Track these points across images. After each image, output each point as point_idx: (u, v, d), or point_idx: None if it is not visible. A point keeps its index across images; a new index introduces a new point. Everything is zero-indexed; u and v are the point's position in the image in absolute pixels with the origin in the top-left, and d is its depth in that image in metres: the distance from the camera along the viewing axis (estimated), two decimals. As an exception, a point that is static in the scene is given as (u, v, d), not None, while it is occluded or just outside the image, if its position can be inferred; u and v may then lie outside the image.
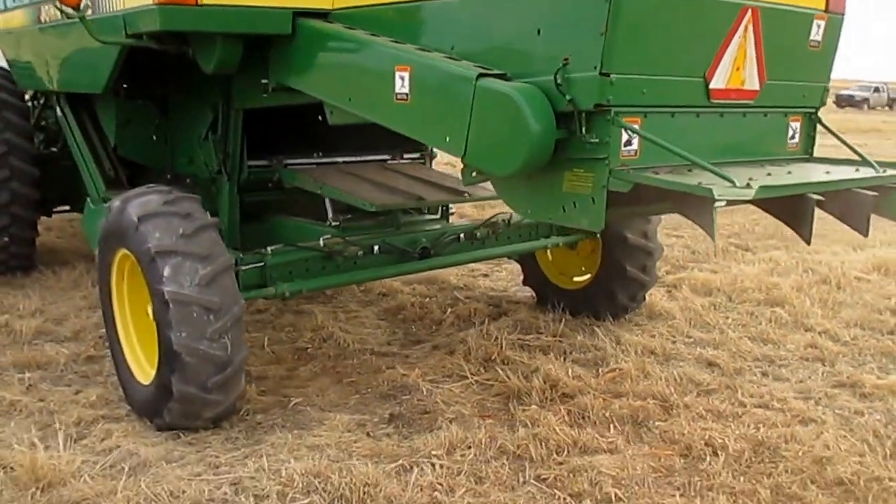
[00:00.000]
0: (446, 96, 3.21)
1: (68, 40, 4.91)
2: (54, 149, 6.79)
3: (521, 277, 6.05)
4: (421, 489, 3.31)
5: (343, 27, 3.78)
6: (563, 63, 2.93)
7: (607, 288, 5.41)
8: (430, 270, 5.29)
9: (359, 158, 5.32)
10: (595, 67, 2.87)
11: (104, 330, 5.21)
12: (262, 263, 4.14)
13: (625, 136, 2.98)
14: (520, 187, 3.24)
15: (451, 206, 5.39)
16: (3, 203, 6.14)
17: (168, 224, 3.70)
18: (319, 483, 3.34)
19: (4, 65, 6.55)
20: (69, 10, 3.90)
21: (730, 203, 3.01)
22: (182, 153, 5.43)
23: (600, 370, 4.65)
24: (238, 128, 4.86)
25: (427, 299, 6.03)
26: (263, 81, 4.38)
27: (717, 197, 2.61)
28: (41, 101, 6.81)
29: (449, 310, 5.75)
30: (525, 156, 2.99)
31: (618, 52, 2.87)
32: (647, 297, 5.67)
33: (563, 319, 5.46)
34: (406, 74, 3.34)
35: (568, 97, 2.93)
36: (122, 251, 3.96)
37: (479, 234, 4.99)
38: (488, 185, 5.05)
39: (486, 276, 6.80)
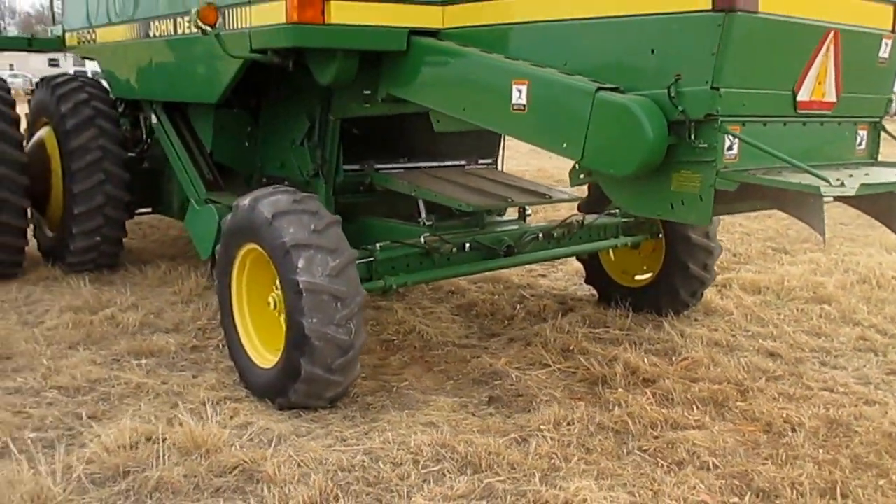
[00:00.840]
0: (564, 107, 3.63)
1: (183, 53, 5.32)
2: (132, 154, 7.20)
3: (583, 276, 6.44)
4: (539, 457, 3.71)
5: (456, 44, 4.19)
6: (675, 79, 3.34)
7: (670, 285, 5.81)
8: (514, 266, 5.66)
9: (440, 163, 5.73)
10: (706, 82, 3.29)
11: (201, 322, 5.71)
12: (371, 259, 4.54)
13: (727, 142, 3.39)
14: (630, 186, 3.65)
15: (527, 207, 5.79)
16: (98, 205, 6.55)
17: (299, 220, 4.10)
18: (446, 452, 3.74)
19: (89, 74, 7.00)
20: (206, 27, 4.33)
21: (835, 199, 3.40)
22: (273, 158, 5.84)
23: (673, 359, 5.05)
24: (336, 135, 5.28)
25: (495, 297, 6.42)
26: (366, 92, 4.81)
27: (824, 194, 3.01)
28: (123, 109, 7.23)
29: (518, 306, 6.16)
30: (641, 160, 3.41)
31: (726, 69, 3.28)
32: (703, 295, 6.07)
33: (629, 315, 5.86)
34: (524, 88, 3.76)
35: (680, 108, 3.35)
36: (249, 245, 4.36)
37: (555, 233, 5.40)
38: (564, 187, 5.49)
39: (543, 276, 7.20)
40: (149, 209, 7.40)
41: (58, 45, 7.48)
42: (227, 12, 4.59)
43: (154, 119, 6.34)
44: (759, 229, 9.35)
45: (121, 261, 7.06)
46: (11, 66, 49.40)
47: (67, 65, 41.38)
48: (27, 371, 4.72)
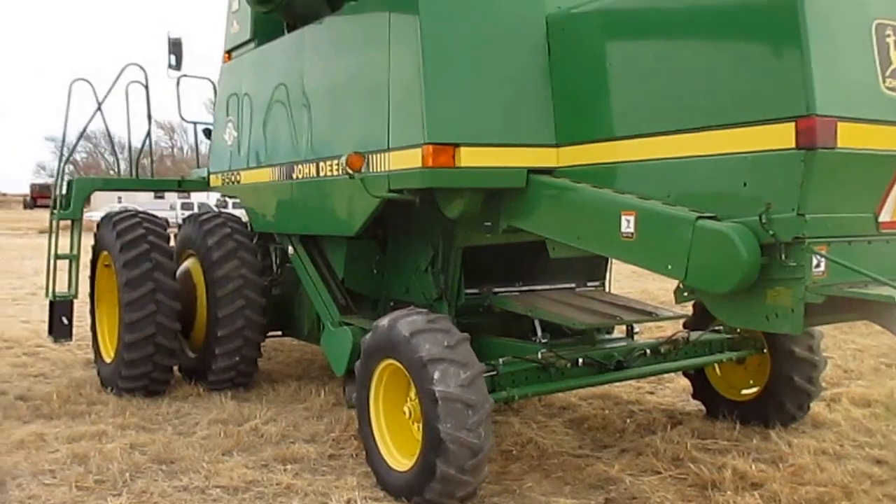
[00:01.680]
0: (669, 234, 4.16)
1: (324, 193, 6.08)
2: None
3: (691, 392, 6.77)
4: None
5: (570, 181, 4.80)
6: (766, 207, 3.84)
7: (776, 398, 6.09)
8: (624, 380, 6.06)
9: (552, 286, 6.26)
10: (793, 210, 3.78)
11: (334, 433, 6.25)
12: (495, 372, 5.03)
13: (815, 261, 3.83)
14: (729, 302, 4.11)
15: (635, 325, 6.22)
16: (238, 328, 7.30)
17: (434, 338, 4.67)
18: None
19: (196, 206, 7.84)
20: (353, 172, 5.07)
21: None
22: (399, 283, 6.48)
23: (780, 465, 5.31)
24: (458, 262, 5.90)
25: (606, 411, 6.79)
26: (487, 224, 5.43)
27: (898, 303, 3.42)
28: (255, 241, 8.04)
29: (628, 420, 6.51)
30: (738, 279, 3.88)
31: (811, 197, 3.77)
32: (811, 407, 6.31)
33: (736, 427, 6.14)
34: (632, 218, 4.31)
35: (770, 232, 3.84)
36: (388, 361, 4.94)
37: (662, 349, 5.80)
38: (670, 306, 5.92)
39: (651, 393, 7.53)
40: (278, 332, 8.11)
41: (203, 185, 8.44)
42: (369, 158, 5.32)
43: (291, 250, 7.09)
44: (871, 346, 9.44)
45: (255, 379, 7.73)
46: (119, 198, 53.23)
47: (172, 197, 43.90)
48: (191, 472, 5.32)
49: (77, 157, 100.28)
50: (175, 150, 76.78)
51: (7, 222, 51.28)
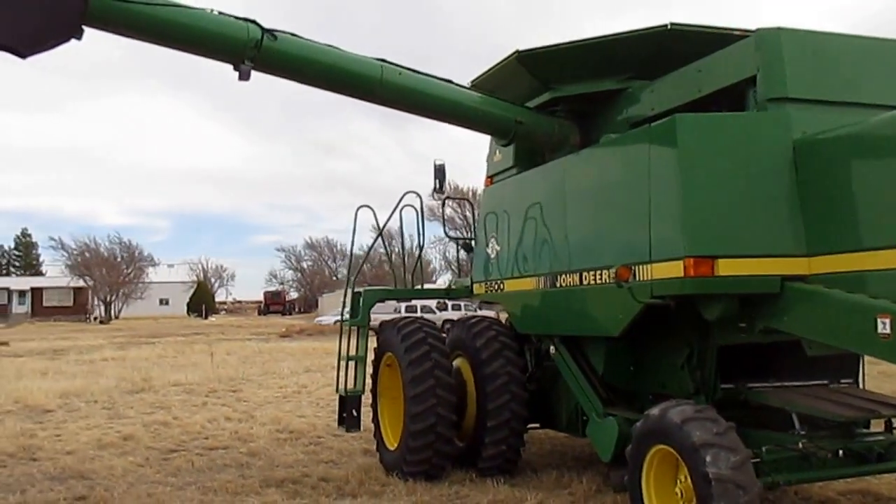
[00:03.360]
0: (924, 332, 4.66)
1: (589, 298, 6.93)
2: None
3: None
4: None
5: (822, 287, 5.39)
6: None
7: None
8: (886, 473, 6.34)
9: (804, 382, 6.69)
10: None
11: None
12: (759, 459, 5.57)
13: None
14: None
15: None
16: (506, 419, 8.21)
17: (703, 425, 5.32)
18: None
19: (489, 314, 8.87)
20: (622, 283, 5.91)
21: None
22: (656, 379, 7.15)
23: None
24: (713, 359, 6.52)
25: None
26: (742, 325, 6.05)
27: None
28: None
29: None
30: None
31: None
32: None
33: None
34: (887, 320, 4.84)
35: None
36: (659, 446, 5.62)
37: (922, 443, 6.08)
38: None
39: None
40: (536, 424, 8.93)
41: (467, 293, 9.56)
42: (635, 269, 6.15)
43: (552, 349, 7.96)
44: None
45: (518, 466, 8.56)
46: (344, 303, 58.69)
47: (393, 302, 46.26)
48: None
49: (304, 264, 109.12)
50: (394, 256, 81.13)
51: (249, 328, 56.31)
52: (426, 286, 10.97)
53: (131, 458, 9.79)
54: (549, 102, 8.04)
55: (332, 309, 67.94)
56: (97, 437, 11.23)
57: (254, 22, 6.86)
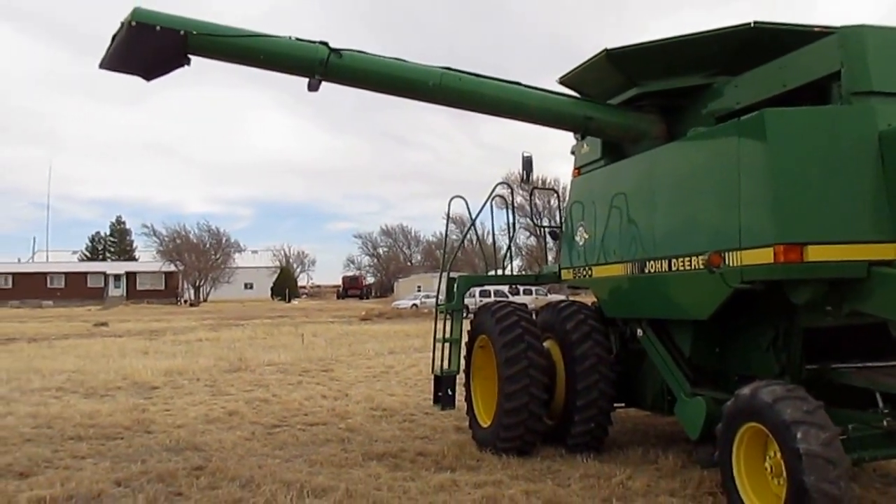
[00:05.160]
0: None
1: (678, 283, 7.25)
2: None
3: None
4: None
5: (908, 272, 5.63)
6: None
7: None
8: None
9: (886, 363, 6.91)
10: None
11: (688, 490, 7.24)
12: (845, 436, 5.84)
13: None
14: None
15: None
16: (594, 398, 8.59)
17: (794, 404, 5.61)
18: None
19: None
20: (713, 268, 6.23)
21: None
22: (742, 360, 7.43)
23: None
24: (799, 340, 6.79)
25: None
26: (828, 308, 6.31)
27: None
28: None
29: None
30: None
31: None
32: None
33: None
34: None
35: None
36: (749, 424, 5.92)
37: None
38: None
39: None
40: (622, 404, 9.29)
41: (555, 279, 9.94)
42: (725, 255, 6.45)
43: (640, 332, 8.30)
44: None
45: (604, 443, 8.93)
46: (419, 287, 61.35)
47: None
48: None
49: (380, 250, 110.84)
50: (466, 243, 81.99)
51: (330, 311, 57.65)
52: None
53: (238, 432, 10.46)
54: (634, 98, 8.36)
55: (408, 293, 69.30)
56: (203, 412, 12.00)
57: (324, 44, 7.89)
